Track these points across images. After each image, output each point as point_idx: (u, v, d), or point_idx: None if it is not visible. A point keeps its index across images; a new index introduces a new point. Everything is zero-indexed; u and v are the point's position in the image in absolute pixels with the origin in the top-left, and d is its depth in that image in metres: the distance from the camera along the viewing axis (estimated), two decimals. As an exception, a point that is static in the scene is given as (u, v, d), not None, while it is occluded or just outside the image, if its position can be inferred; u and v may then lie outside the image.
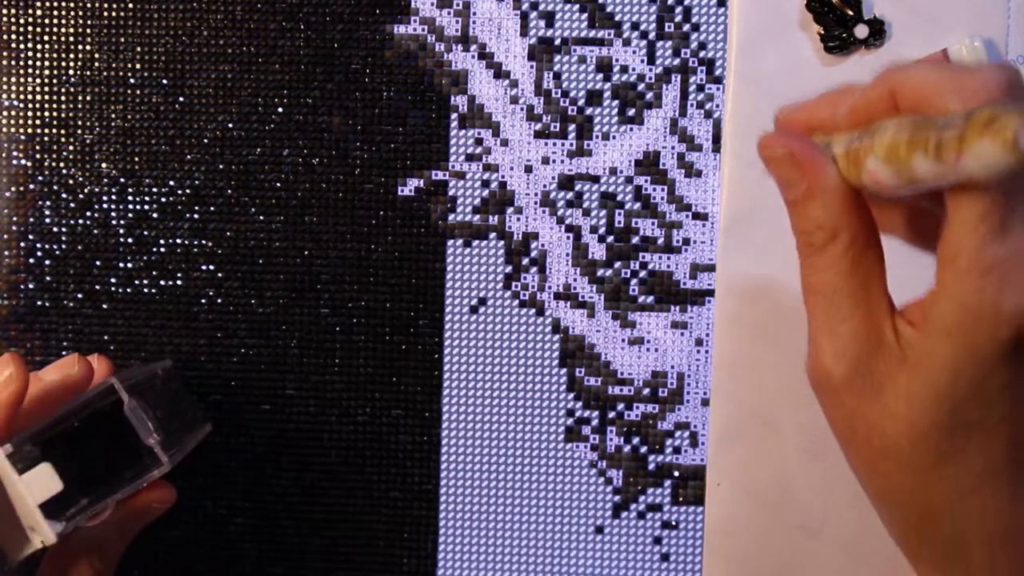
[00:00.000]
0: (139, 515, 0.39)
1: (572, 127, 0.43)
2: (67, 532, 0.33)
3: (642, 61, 0.43)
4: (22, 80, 0.43)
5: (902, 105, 0.29)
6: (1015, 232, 0.27)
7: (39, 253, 0.44)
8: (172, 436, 0.37)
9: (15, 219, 0.43)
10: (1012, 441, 0.28)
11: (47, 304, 0.44)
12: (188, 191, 0.43)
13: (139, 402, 0.35)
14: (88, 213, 0.44)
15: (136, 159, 0.43)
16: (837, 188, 0.29)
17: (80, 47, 0.43)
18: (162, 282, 0.44)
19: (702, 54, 0.43)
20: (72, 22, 0.43)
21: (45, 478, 0.33)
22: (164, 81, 0.43)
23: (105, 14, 0.43)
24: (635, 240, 0.43)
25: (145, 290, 0.44)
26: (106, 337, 0.44)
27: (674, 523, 0.44)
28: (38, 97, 0.43)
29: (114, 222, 0.44)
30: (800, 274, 0.31)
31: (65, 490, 0.33)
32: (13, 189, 0.43)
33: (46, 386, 0.36)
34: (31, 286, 0.44)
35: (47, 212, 0.43)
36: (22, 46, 0.43)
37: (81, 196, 0.43)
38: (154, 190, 0.43)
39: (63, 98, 0.43)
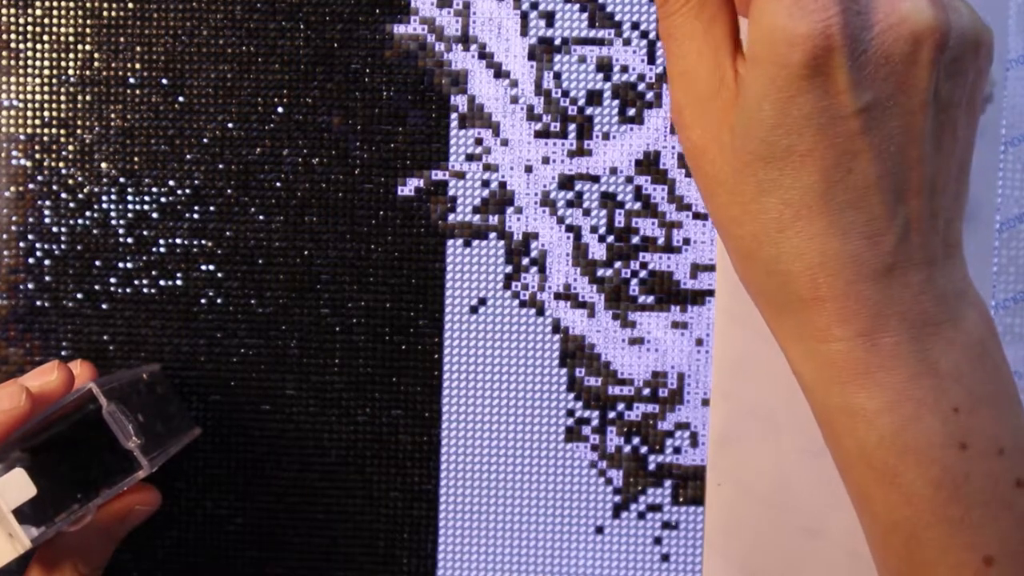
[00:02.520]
0: (122, 519, 0.39)
1: (572, 127, 0.43)
2: (46, 538, 0.33)
3: (642, 61, 0.43)
4: (22, 80, 0.43)
5: None
6: None
7: (39, 253, 0.44)
8: (155, 440, 0.37)
9: (15, 219, 0.43)
10: (823, 173, 0.29)
11: (47, 304, 0.44)
12: (188, 191, 0.43)
13: (118, 406, 0.35)
14: (88, 213, 0.43)
15: (136, 159, 0.43)
16: None
17: (80, 47, 0.43)
18: (162, 282, 0.44)
19: (702, 54, 0.43)
20: (72, 22, 0.43)
21: (19, 484, 0.33)
22: (164, 81, 0.43)
23: (105, 14, 0.43)
24: (635, 240, 0.43)
25: (145, 290, 0.44)
26: (106, 337, 0.44)
27: (674, 523, 0.44)
28: (38, 97, 0.43)
29: (114, 222, 0.44)
30: (658, 27, 0.32)
31: (44, 495, 0.33)
32: (13, 189, 0.43)
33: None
34: (30, 286, 0.44)
35: (47, 212, 0.43)
36: (22, 46, 0.43)
37: (81, 196, 0.43)
38: (154, 190, 0.43)
39: (63, 98, 0.43)
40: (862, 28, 0.28)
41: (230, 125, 0.43)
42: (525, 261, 0.43)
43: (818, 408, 0.32)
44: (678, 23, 0.32)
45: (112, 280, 0.44)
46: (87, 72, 0.43)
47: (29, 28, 0.43)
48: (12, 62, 0.43)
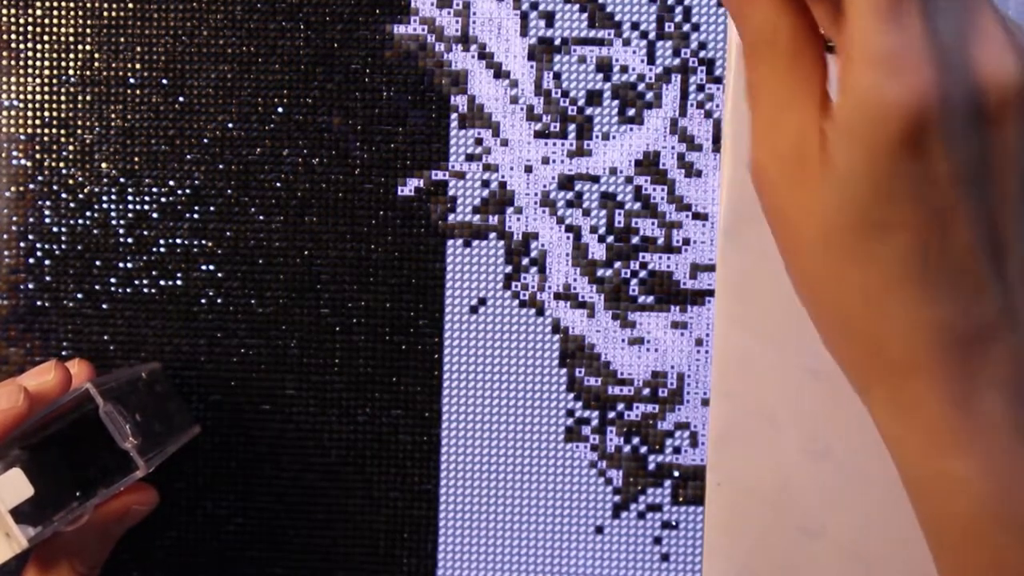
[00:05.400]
0: (120, 518, 0.39)
1: (572, 127, 0.43)
2: (43, 537, 0.33)
3: (642, 61, 0.43)
4: (22, 80, 0.43)
5: None
6: (908, 20, 0.26)
7: (39, 253, 0.44)
8: (153, 439, 0.37)
9: (15, 219, 0.43)
10: (918, 243, 0.28)
11: (47, 304, 0.44)
12: (188, 191, 0.43)
13: (115, 406, 0.35)
14: (88, 213, 0.44)
15: (136, 159, 0.43)
16: None
17: (80, 47, 0.43)
18: (162, 282, 0.44)
19: (702, 54, 0.43)
20: (72, 22, 0.43)
21: (16, 484, 0.33)
22: (164, 81, 0.43)
23: (105, 14, 0.43)
24: (635, 240, 0.43)
25: (145, 290, 0.44)
26: (106, 337, 0.44)
27: (674, 523, 0.44)
28: (38, 97, 0.43)
29: (114, 222, 0.44)
30: (745, 79, 0.31)
31: (41, 495, 0.33)
32: (13, 189, 0.43)
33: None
34: (31, 286, 0.44)
35: (47, 212, 0.43)
36: (22, 46, 0.43)
37: (81, 196, 0.43)
38: (154, 190, 0.43)
39: (63, 98, 0.43)
40: (954, 92, 0.27)
41: (230, 125, 0.43)
42: (525, 261, 0.43)
43: (909, 475, 0.31)
44: (766, 74, 0.30)
45: (112, 280, 0.44)
46: (87, 72, 0.43)
47: (29, 28, 0.43)
48: (12, 62, 0.43)
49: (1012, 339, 0.29)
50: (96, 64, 0.43)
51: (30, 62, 0.43)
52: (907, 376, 0.29)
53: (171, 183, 0.43)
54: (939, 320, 0.29)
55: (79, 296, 0.44)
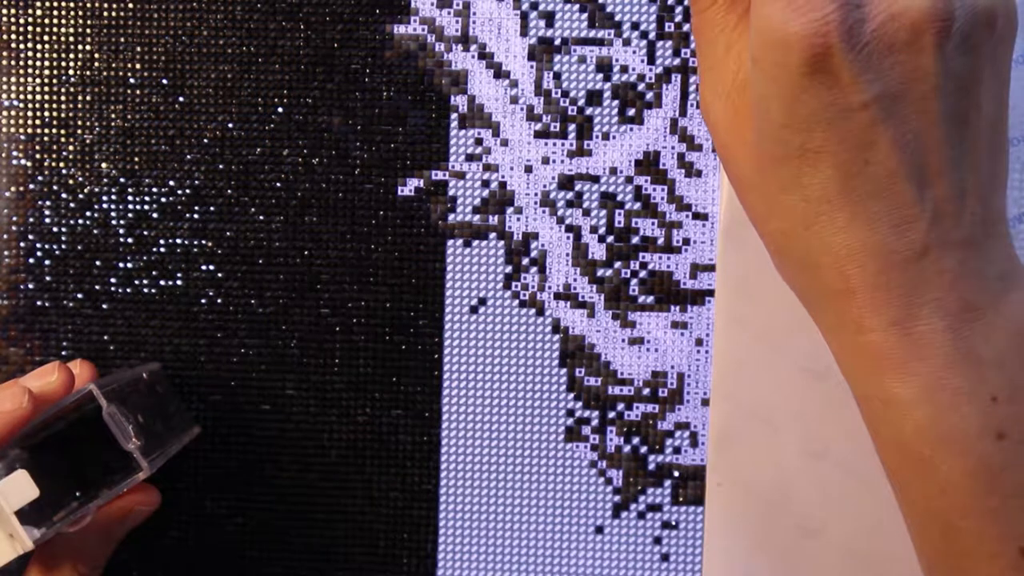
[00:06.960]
0: (122, 519, 0.39)
1: (572, 127, 0.43)
2: (46, 539, 0.33)
3: (642, 61, 0.43)
4: (22, 80, 0.43)
5: None
6: None
7: (39, 253, 0.44)
8: (155, 440, 0.37)
9: (15, 219, 0.43)
10: (839, 167, 0.29)
11: (47, 304, 0.44)
12: (188, 191, 0.43)
13: (119, 407, 0.35)
14: (88, 213, 0.44)
15: (136, 159, 0.43)
16: None
17: (80, 47, 0.43)
18: (162, 282, 0.44)
19: (702, 54, 0.43)
20: (72, 22, 0.43)
21: (21, 485, 0.33)
22: (164, 81, 0.43)
23: (105, 14, 0.43)
24: (635, 240, 0.43)
25: (145, 290, 0.44)
26: (106, 337, 0.44)
27: (674, 523, 0.44)
28: (38, 97, 0.43)
29: (114, 222, 0.44)
30: (692, 25, 0.33)
31: (44, 496, 0.33)
32: (13, 189, 0.43)
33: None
34: (31, 286, 0.44)
35: (47, 212, 0.43)
36: (22, 46, 0.43)
37: (81, 196, 0.43)
38: (154, 190, 0.43)
39: (63, 98, 0.43)
40: (860, 21, 0.28)
41: (230, 125, 0.43)
42: (525, 261, 0.43)
43: (858, 397, 0.31)
44: (708, 18, 0.32)
45: (112, 280, 0.44)
46: (87, 72, 0.43)
47: (29, 28, 0.43)
48: (12, 62, 0.43)
49: (946, 260, 0.29)
50: (96, 64, 0.43)
51: (30, 62, 0.43)
52: (845, 301, 0.30)
53: (171, 183, 0.43)
54: (870, 244, 0.29)
55: (79, 296, 0.44)
